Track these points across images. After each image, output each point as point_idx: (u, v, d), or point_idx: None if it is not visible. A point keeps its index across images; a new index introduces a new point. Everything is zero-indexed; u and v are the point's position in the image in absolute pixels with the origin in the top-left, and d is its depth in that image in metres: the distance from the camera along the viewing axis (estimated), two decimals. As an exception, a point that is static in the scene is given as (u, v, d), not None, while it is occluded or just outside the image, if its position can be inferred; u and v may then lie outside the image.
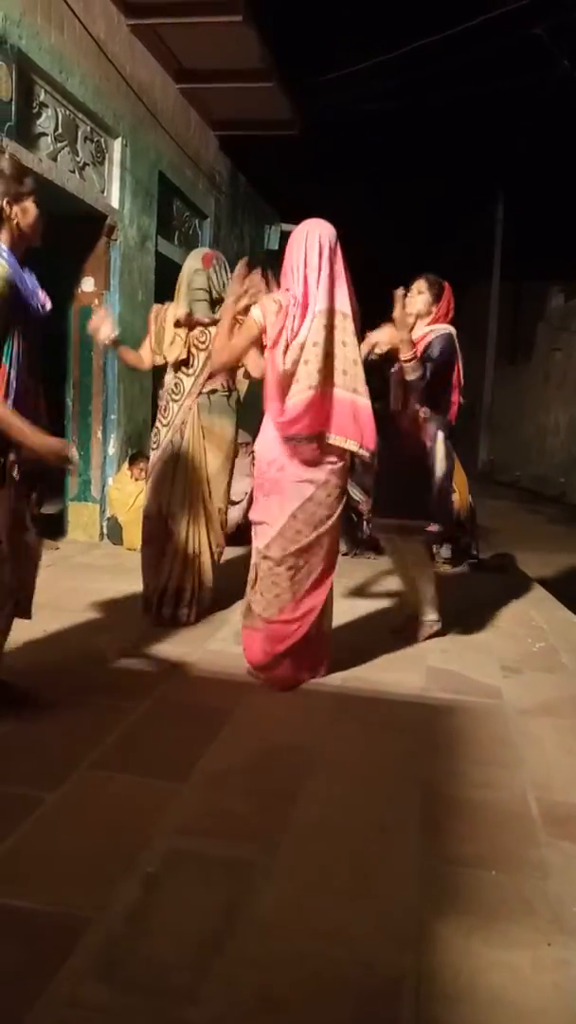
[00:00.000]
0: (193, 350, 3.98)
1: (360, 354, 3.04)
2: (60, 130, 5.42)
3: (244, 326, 3.02)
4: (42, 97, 5.19)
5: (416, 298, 3.75)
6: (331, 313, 2.92)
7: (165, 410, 4.09)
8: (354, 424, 2.98)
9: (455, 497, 6.06)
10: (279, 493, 3.03)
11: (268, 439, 3.05)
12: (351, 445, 2.99)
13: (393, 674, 3.39)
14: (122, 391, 6.43)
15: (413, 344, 3.58)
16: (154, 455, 4.11)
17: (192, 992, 1.51)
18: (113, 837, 2.03)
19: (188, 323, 3.96)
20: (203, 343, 3.96)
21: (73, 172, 5.65)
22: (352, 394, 2.96)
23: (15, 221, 2.58)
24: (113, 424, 6.41)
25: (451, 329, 3.76)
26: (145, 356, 4.10)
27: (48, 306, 2.69)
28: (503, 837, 2.14)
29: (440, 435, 3.78)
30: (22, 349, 2.51)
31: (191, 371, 4.02)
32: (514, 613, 4.59)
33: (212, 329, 3.88)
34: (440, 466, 3.79)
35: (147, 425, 6.92)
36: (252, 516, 3.16)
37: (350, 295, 2.99)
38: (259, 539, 3.10)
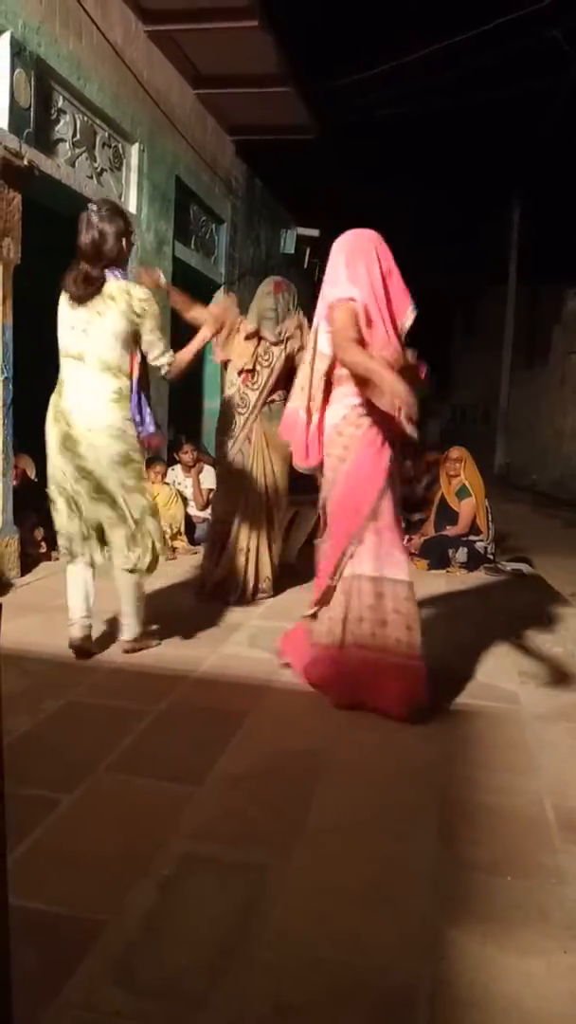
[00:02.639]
0: (258, 366, 4.39)
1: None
2: (78, 136, 5.46)
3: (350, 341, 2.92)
4: (60, 103, 5.23)
5: None
6: (395, 318, 3.05)
7: (231, 424, 4.42)
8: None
9: (471, 501, 6.07)
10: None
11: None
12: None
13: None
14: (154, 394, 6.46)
15: None
16: (221, 466, 4.55)
17: (206, 997, 1.51)
18: (128, 840, 2.04)
19: (255, 336, 4.41)
20: (267, 361, 4.40)
21: (91, 178, 5.69)
22: None
23: (126, 256, 3.38)
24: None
25: None
26: (201, 318, 4.25)
27: None
28: (519, 843, 2.12)
29: None
30: None
31: (255, 385, 4.40)
32: (531, 617, 4.56)
33: (275, 349, 4.39)
34: None
35: (163, 430, 6.95)
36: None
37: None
38: (396, 569, 2.95)
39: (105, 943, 1.64)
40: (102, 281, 3.22)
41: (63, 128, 5.30)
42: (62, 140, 5.31)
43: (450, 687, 3.30)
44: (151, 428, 3.34)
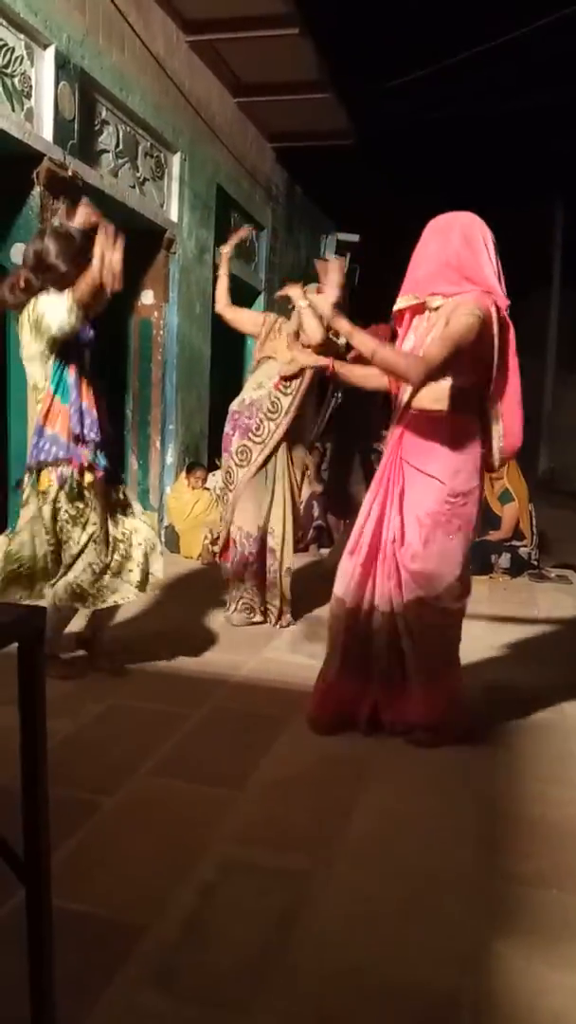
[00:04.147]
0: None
1: None
2: (121, 147, 5.53)
3: (466, 323, 2.51)
4: (104, 115, 5.30)
5: None
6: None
7: (258, 429, 4.10)
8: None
9: (514, 505, 5.99)
10: (465, 529, 2.69)
11: (467, 466, 2.66)
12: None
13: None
14: (180, 402, 6.51)
15: None
16: (244, 472, 4.14)
17: (247, 1004, 1.50)
18: (170, 844, 2.04)
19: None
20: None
21: (133, 187, 5.76)
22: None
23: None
24: (171, 434, 6.50)
25: None
26: (230, 315, 4.25)
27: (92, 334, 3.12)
28: (564, 855, 2.08)
29: None
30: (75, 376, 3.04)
31: (290, 390, 4.08)
32: (576, 625, 4.48)
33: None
34: None
35: (204, 435, 7.00)
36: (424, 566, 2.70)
37: None
38: (428, 590, 2.67)
39: (146, 947, 1.64)
40: (36, 292, 2.96)
41: (106, 139, 5.37)
42: (105, 151, 5.38)
43: (494, 696, 3.26)
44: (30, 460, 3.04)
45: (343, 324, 2.63)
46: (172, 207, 6.35)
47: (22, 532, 2.98)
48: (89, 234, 2.93)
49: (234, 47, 6.46)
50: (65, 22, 4.67)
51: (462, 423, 2.63)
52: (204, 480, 6.23)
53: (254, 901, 1.82)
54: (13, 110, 4.37)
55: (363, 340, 2.59)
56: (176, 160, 6.31)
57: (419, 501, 2.64)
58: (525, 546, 5.98)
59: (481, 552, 5.91)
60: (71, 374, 3.00)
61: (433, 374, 2.55)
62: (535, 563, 5.98)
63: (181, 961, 1.61)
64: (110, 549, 3.05)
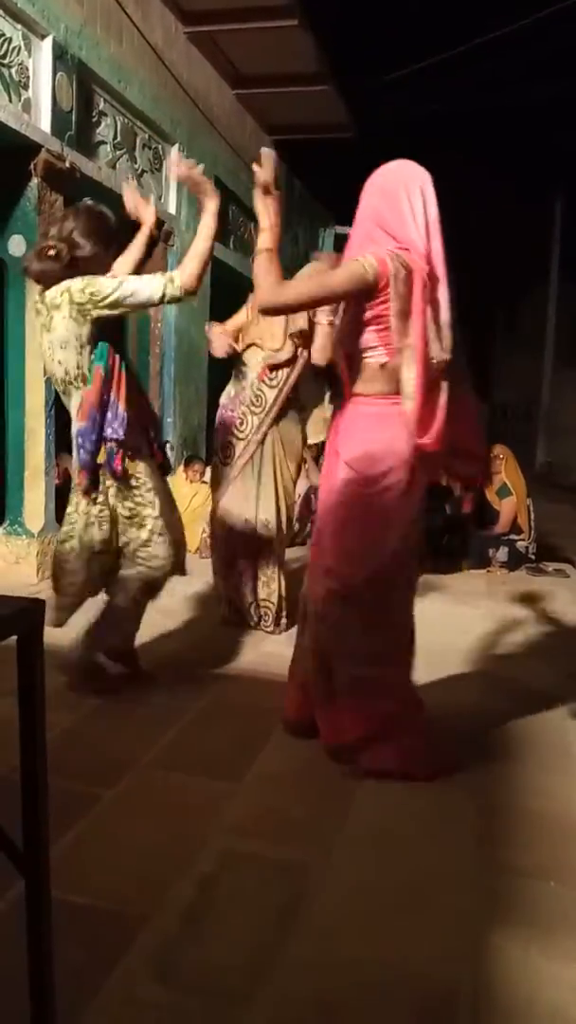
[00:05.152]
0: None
1: None
2: (119, 138, 5.51)
3: (348, 268, 2.28)
4: (101, 106, 5.28)
5: None
6: (448, 284, 2.33)
7: (241, 424, 3.83)
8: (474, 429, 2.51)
9: (512, 500, 5.99)
10: (383, 521, 2.40)
11: (381, 450, 2.35)
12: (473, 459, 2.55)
13: (450, 680, 3.34)
14: (178, 395, 6.50)
15: None
16: (228, 470, 3.91)
17: (247, 995, 1.50)
18: (169, 836, 2.04)
19: (305, 341, 3.61)
20: (297, 354, 3.78)
21: (131, 179, 5.73)
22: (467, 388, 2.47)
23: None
24: (169, 427, 6.49)
25: None
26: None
27: None
28: (563, 848, 2.08)
29: None
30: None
31: (275, 382, 3.79)
32: (574, 618, 4.49)
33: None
34: None
35: (201, 428, 6.99)
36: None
37: None
38: (332, 583, 2.45)
39: (146, 938, 1.64)
40: (65, 269, 2.76)
41: (104, 130, 5.35)
42: (103, 142, 5.36)
43: (492, 689, 3.26)
44: (82, 454, 2.80)
45: (262, 210, 2.40)
46: (170, 199, 6.33)
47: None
48: (127, 221, 2.84)
49: (233, 38, 6.43)
50: (63, 12, 4.64)
51: (382, 405, 2.36)
52: (202, 473, 6.21)
53: (254, 893, 1.82)
54: (10, 101, 4.34)
55: (263, 239, 2.39)
56: (174, 152, 6.29)
57: (332, 488, 2.45)
58: (523, 540, 5.98)
59: (479, 546, 5.93)
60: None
61: (285, 306, 2.42)
62: (532, 557, 5.99)
63: (181, 953, 1.61)
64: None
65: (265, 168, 2.41)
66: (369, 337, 2.34)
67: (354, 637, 2.38)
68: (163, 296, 2.70)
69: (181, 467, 6.23)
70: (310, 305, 2.45)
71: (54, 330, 2.74)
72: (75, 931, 1.63)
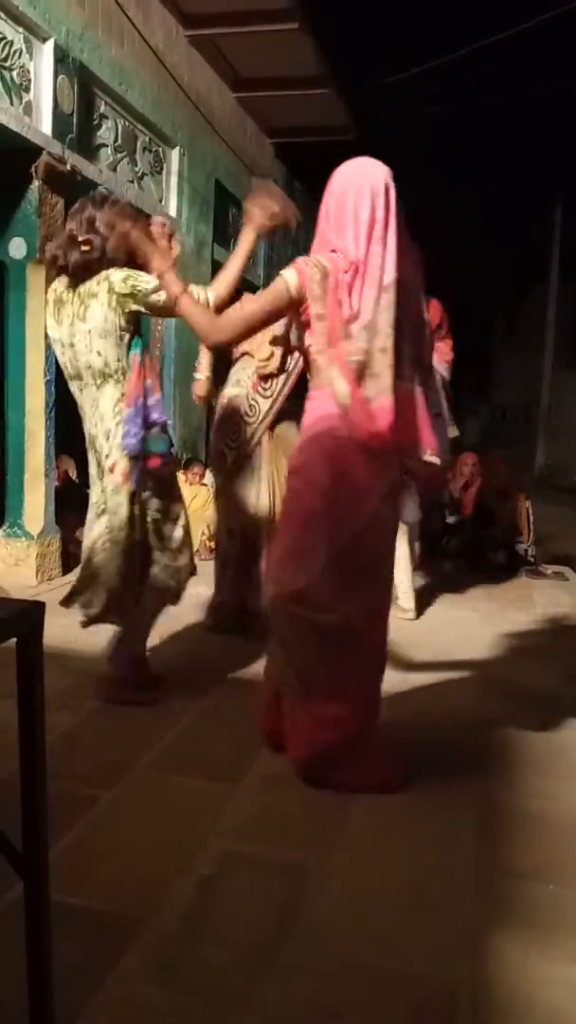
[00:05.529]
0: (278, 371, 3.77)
1: None
2: (120, 141, 5.52)
3: (269, 290, 2.30)
4: (102, 109, 5.29)
5: None
6: (399, 285, 2.25)
7: (234, 433, 3.80)
8: (434, 431, 2.38)
9: (511, 504, 6.00)
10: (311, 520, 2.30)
11: (313, 451, 2.30)
12: (431, 457, 2.37)
13: (449, 682, 3.35)
14: (178, 397, 6.51)
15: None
16: (220, 478, 3.90)
17: (246, 997, 1.51)
18: (168, 838, 2.05)
19: (284, 343, 3.66)
20: (289, 364, 3.78)
21: (132, 182, 5.75)
22: (419, 387, 2.36)
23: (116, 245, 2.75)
24: (169, 429, 6.49)
25: None
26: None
27: None
28: (562, 849, 2.09)
29: None
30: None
31: (269, 392, 3.78)
32: (573, 620, 4.49)
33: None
34: None
35: (201, 430, 6.99)
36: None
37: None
38: (280, 587, 2.36)
39: (145, 940, 1.65)
40: (98, 262, 2.74)
41: (105, 133, 5.36)
42: (104, 145, 5.37)
43: (492, 691, 3.26)
44: (130, 441, 2.75)
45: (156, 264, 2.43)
46: (171, 202, 6.34)
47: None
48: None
49: (233, 42, 6.44)
50: (64, 15, 4.65)
51: (321, 406, 2.31)
52: (202, 476, 6.22)
53: (253, 894, 1.83)
54: (12, 104, 4.35)
55: (168, 283, 2.40)
56: (175, 155, 6.30)
57: (287, 491, 2.46)
58: (522, 543, 5.99)
59: (479, 549, 5.93)
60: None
61: (228, 341, 2.40)
62: (532, 559, 5.99)
63: (180, 954, 1.62)
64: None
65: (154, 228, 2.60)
66: (308, 340, 2.33)
67: (308, 646, 2.28)
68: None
69: (181, 469, 6.23)
70: (249, 332, 2.39)
71: (90, 320, 2.71)
72: (74, 932, 1.63)
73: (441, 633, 4.06)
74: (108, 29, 5.16)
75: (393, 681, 3.30)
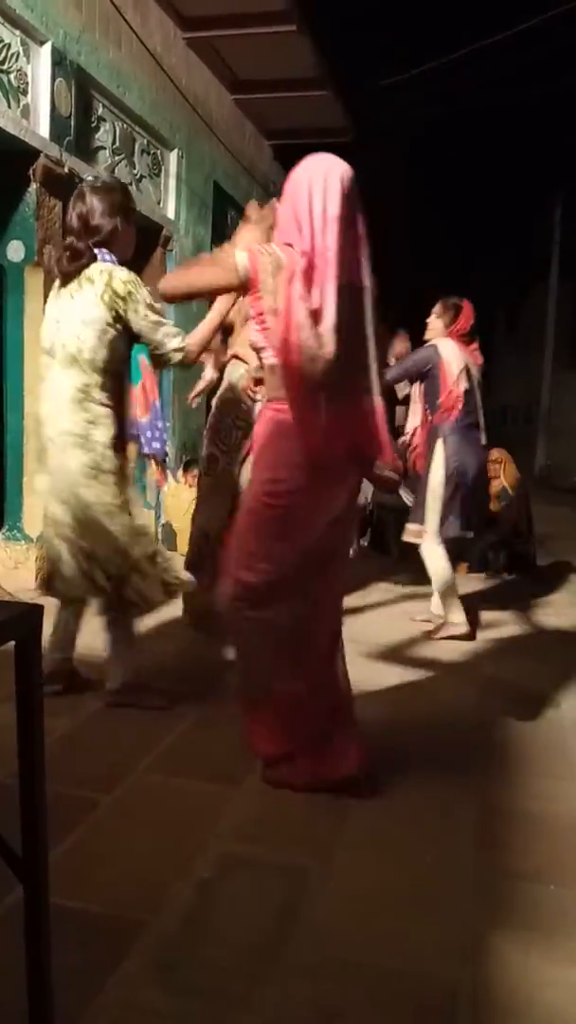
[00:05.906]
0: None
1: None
2: (118, 143, 5.52)
3: (219, 263, 2.27)
4: (100, 111, 5.29)
5: (431, 322, 4.22)
6: (355, 289, 2.20)
7: (226, 436, 3.76)
8: (386, 439, 2.28)
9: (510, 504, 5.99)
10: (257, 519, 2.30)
11: (267, 454, 2.27)
12: (384, 469, 2.36)
13: (449, 682, 3.35)
14: (177, 400, 6.51)
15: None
16: (208, 481, 3.86)
17: (247, 998, 1.50)
18: (168, 841, 2.05)
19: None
20: None
21: (130, 184, 5.75)
22: (379, 399, 2.27)
23: (125, 238, 2.81)
24: (168, 432, 6.49)
25: (437, 343, 4.11)
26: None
27: None
28: (562, 851, 2.09)
29: (436, 445, 4.01)
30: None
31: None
32: (573, 620, 4.49)
33: None
34: (435, 472, 3.98)
35: (200, 433, 7.00)
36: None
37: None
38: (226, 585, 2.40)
39: (145, 942, 1.64)
40: (91, 258, 2.73)
41: (103, 135, 5.36)
42: (102, 147, 5.37)
43: (492, 691, 3.26)
44: (156, 445, 2.89)
45: None
46: (169, 204, 6.35)
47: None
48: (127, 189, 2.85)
49: (231, 44, 6.45)
50: (62, 18, 4.65)
51: (275, 408, 2.26)
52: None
53: (253, 896, 1.82)
54: (9, 107, 4.35)
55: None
56: (173, 157, 6.31)
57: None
58: (522, 543, 5.98)
59: (479, 549, 5.93)
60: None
61: (166, 295, 2.32)
62: (531, 560, 5.99)
63: (180, 956, 1.61)
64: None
65: None
66: (257, 336, 2.26)
67: (260, 645, 2.30)
68: (167, 352, 2.74)
69: (180, 471, 6.24)
70: (187, 295, 2.37)
71: (77, 303, 2.69)
72: (74, 935, 1.63)
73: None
74: (106, 32, 5.17)
75: (393, 681, 3.31)
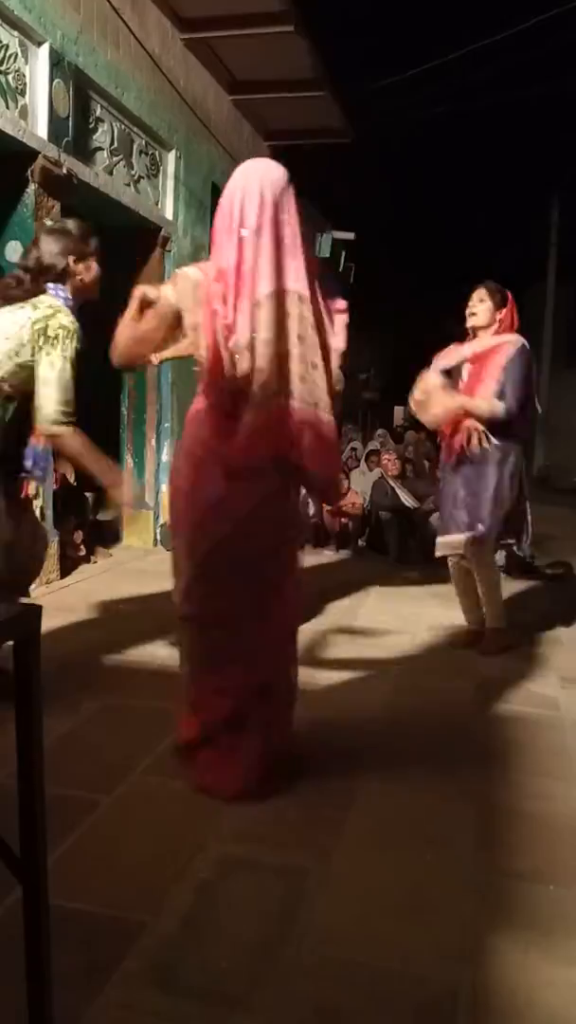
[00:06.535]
0: None
1: (332, 355, 2.29)
2: (116, 144, 5.52)
3: (157, 307, 2.27)
4: (98, 112, 5.29)
5: (477, 308, 3.69)
6: (279, 297, 2.14)
7: None
8: (315, 448, 2.21)
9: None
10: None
11: (200, 456, 2.28)
12: (312, 477, 2.28)
13: (448, 684, 3.34)
14: (175, 401, 6.51)
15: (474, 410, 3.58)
16: None
17: (246, 1000, 1.50)
18: (167, 842, 2.04)
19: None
20: None
21: (128, 185, 5.75)
22: (314, 408, 2.20)
23: (79, 277, 2.83)
24: (167, 432, 6.50)
25: (523, 340, 3.67)
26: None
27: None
28: (561, 851, 2.09)
29: (511, 457, 3.69)
30: None
31: None
32: (572, 622, 4.49)
33: None
34: (507, 480, 3.67)
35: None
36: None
37: (308, 268, 2.21)
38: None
39: (144, 944, 1.64)
40: (35, 290, 2.75)
41: (101, 136, 5.36)
42: (100, 148, 5.37)
43: (491, 691, 3.26)
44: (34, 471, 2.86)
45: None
46: (167, 205, 6.35)
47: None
48: (88, 231, 2.85)
49: (229, 45, 6.46)
50: (60, 19, 4.65)
51: (195, 415, 2.35)
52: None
53: (252, 898, 1.82)
54: (7, 108, 4.35)
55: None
56: (171, 158, 6.31)
57: None
58: (521, 543, 5.97)
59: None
60: None
61: (125, 356, 2.37)
62: (530, 560, 5.99)
63: (179, 958, 1.61)
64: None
65: None
66: (190, 347, 2.31)
67: (190, 643, 2.39)
68: (44, 414, 2.64)
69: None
70: (143, 346, 2.35)
71: (10, 319, 2.67)
72: (73, 937, 1.63)
73: (437, 633, 4.06)
74: (104, 33, 5.17)
75: (392, 681, 3.31)
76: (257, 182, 2.17)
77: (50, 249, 2.79)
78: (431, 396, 3.66)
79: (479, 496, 3.67)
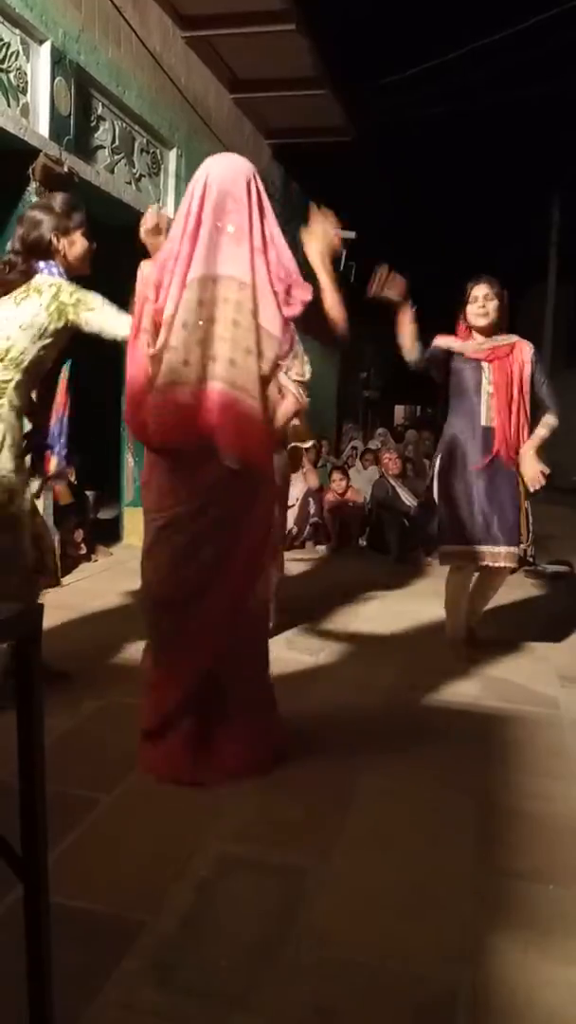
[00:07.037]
0: None
1: (278, 342, 2.26)
2: (117, 143, 5.52)
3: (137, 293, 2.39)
4: (100, 111, 5.29)
5: (488, 306, 3.67)
6: (211, 282, 2.18)
7: None
8: (236, 431, 2.20)
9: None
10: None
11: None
12: (229, 460, 2.22)
13: (447, 682, 3.35)
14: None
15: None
16: None
17: (245, 999, 1.50)
18: (167, 840, 2.04)
19: None
20: None
21: (129, 183, 5.75)
22: (240, 392, 2.19)
23: (62, 253, 2.85)
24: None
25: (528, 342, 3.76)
26: None
27: None
28: (561, 850, 2.09)
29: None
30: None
31: None
32: (572, 621, 4.49)
33: None
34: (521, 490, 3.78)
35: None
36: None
37: (274, 257, 2.32)
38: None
39: (144, 943, 1.64)
40: (27, 271, 2.78)
41: (102, 135, 5.36)
42: (101, 147, 5.37)
43: (490, 691, 3.26)
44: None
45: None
46: (169, 203, 6.34)
47: None
48: (73, 206, 2.88)
49: (231, 43, 6.45)
50: (61, 17, 4.65)
51: None
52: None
53: (252, 897, 1.82)
54: (9, 105, 4.35)
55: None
56: (172, 156, 6.31)
57: None
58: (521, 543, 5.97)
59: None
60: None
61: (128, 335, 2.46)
62: (531, 559, 5.98)
63: (179, 956, 1.61)
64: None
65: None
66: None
67: (152, 620, 2.45)
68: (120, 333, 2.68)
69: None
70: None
71: (19, 308, 2.71)
72: (73, 935, 1.63)
73: (436, 632, 4.06)
74: (105, 31, 5.16)
75: (391, 680, 3.31)
76: (205, 174, 2.28)
77: (33, 226, 2.82)
78: (523, 461, 3.88)
79: (508, 505, 3.79)
